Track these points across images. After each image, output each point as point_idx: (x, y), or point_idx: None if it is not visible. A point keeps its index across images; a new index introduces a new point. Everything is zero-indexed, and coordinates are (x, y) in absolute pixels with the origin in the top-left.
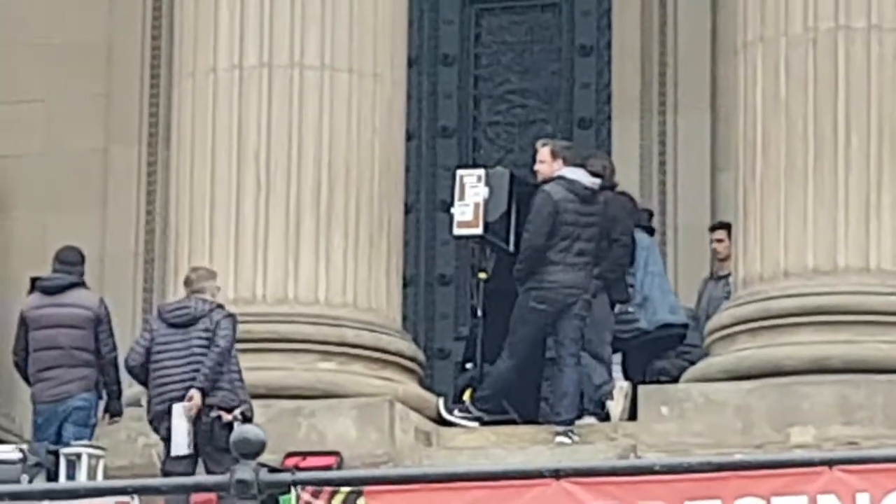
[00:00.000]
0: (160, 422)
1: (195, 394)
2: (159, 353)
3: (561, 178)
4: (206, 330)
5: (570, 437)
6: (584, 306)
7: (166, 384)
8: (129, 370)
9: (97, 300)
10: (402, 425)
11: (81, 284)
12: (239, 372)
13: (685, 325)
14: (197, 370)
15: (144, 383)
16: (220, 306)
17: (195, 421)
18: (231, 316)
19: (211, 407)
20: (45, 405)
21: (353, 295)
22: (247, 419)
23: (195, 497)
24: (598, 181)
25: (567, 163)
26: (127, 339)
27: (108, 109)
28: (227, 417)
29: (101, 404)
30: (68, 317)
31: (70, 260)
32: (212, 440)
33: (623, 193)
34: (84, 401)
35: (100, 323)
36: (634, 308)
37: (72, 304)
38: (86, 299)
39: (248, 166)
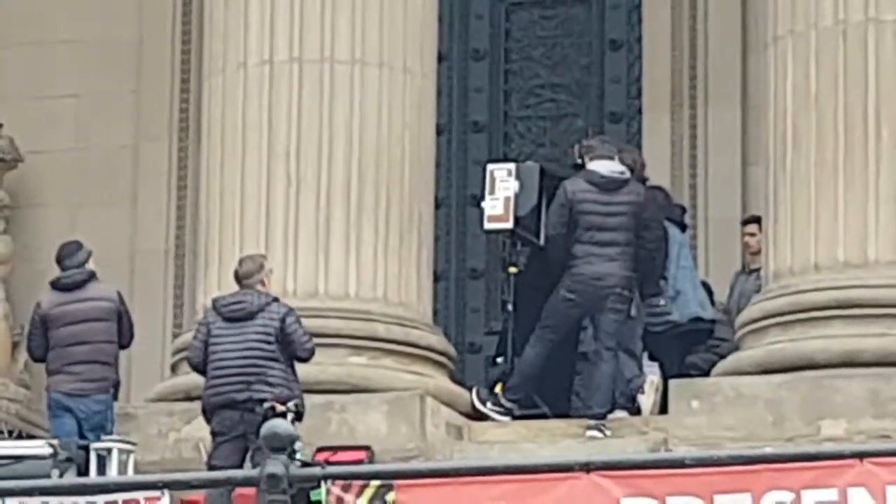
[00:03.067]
0: (213, 414)
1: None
2: (216, 346)
3: (583, 169)
4: (265, 325)
5: (601, 431)
6: (618, 299)
7: (221, 377)
8: (193, 368)
9: (115, 292)
10: (432, 420)
11: (95, 277)
12: (293, 366)
13: (713, 321)
14: (253, 364)
15: None
16: (276, 300)
17: (247, 412)
18: (291, 310)
19: (263, 400)
20: (59, 395)
21: (383, 289)
22: (299, 413)
23: (240, 491)
24: (621, 170)
25: (594, 156)
26: (158, 334)
27: (139, 105)
28: (280, 408)
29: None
30: (93, 311)
31: (78, 255)
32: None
33: (656, 187)
34: (99, 403)
35: (120, 315)
36: (666, 301)
37: (93, 298)
38: (104, 291)
39: (279, 161)
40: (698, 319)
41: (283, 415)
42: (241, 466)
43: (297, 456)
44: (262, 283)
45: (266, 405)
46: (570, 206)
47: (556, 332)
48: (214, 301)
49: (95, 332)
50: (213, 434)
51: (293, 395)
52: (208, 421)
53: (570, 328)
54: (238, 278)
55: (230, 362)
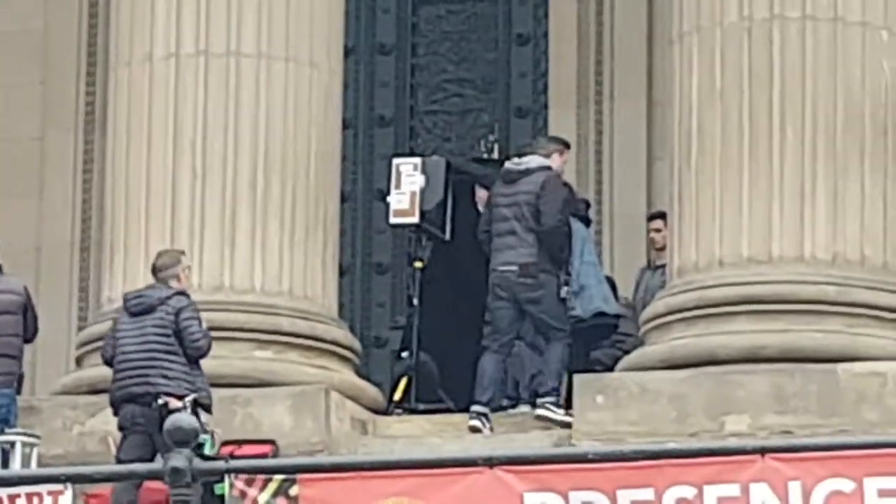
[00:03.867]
0: (117, 408)
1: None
2: (119, 340)
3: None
4: (162, 318)
5: (552, 411)
6: (525, 288)
7: (123, 370)
8: (105, 362)
9: (22, 285)
10: (337, 414)
11: (1, 271)
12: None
13: (617, 316)
14: (152, 358)
15: None
16: (182, 293)
17: (146, 407)
18: (190, 306)
19: (159, 395)
20: None
21: (289, 283)
22: (204, 406)
23: (148, 485)
24: (523, 161)
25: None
26: (63, 327)
27: (45, 97)
28: (175, 404)
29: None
30: (1, 304)
31: None
32: (161, 428)
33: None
34: (4, 397)
35: (26, 308)
36: (570, 297)
37: (2, 291)
38: (13, 285)
39: (184, 155)
40: (602, 314)
41: (178, 411)
42: (150, 460)
43: (206, 449)
44: (178, 278)
45: (160, 401)
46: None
47: (497, 332)
48: (123, 297)
49: (3, 326)
50: (120, 428)
51: (193, 390)
52: (115, 415)
53: (508, 320)
54: (154, 271)
55: (130, 356)
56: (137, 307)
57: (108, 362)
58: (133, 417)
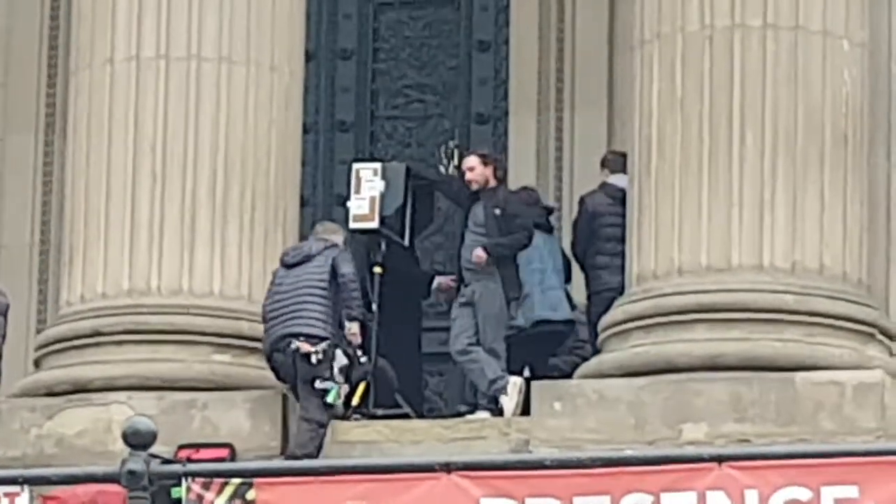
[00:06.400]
0: (270, 359)
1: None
2: (274, 292)
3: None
4: (319, 267)
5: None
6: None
7: (273, 318)
8: (262, 318)
9: (4, 289)
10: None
11: None
12: (349, 307)
13: (568, 322)
14: (301, 306)
15: None
16: (336, 245)
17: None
18: (347, 255)
19: (298, 336)
20: None
21: (248, 287)
22: (346, 356)
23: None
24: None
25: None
26: (22, 329)
27: (5, 98)
28: (306, 348)
29: None
30: None
31: None
32: (296, 372)
33: (525, 188)
34: None
35: (7, 310)
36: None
37: None
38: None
39: (144, 158)
40: (545, 322)
41: (309, 357)
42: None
43: (329, 398)
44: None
45: (293, 346)
46: None
47: None
48: (283, 252)
49: None
50: (278, 379)
51: (333, 339)
52: (268, 362)
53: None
54: (314, 233)
55: (281, 303)
56: (294, 258)
57: (265, 317)
58: (281, 366)
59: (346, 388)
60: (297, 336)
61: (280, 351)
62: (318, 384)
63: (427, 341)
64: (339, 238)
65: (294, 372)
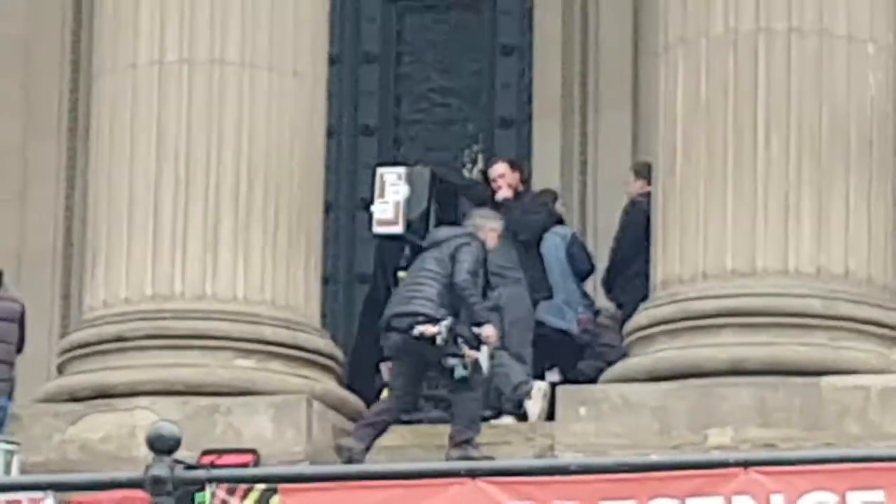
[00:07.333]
0: (386, 337)
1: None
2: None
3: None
4: (441, 252)
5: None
6: None
7: (394, 298)
8: None
9: (19, 295)
10: (319, 424)
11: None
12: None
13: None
14: (419, 283)
15: None
16: (470, 234)
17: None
18: (473, 246)
19: (417, 316)
20: None
21: (271, 292)
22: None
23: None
24: None
25: None
26: (45, 335)
27: (28, 103)
28: (430, 331)
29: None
30: (8, 312)
31: None
32: (419, 356)
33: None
34: (6, 402)
35: (23, 317)
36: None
37: (9, 299)
38: (15, 294)
39: (168, 163)
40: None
41: (433, 339)
42: (416, 387)
43: (455, 374)
44: (483, 231)
45: (416, 331)
46: None
47: None
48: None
49: (8, 333)
50: (387, 358)
51: (451, 318)
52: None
53: None
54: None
55: (404, 283)
56: (428, 241)
57: None
58: (395, 345)
59: (472, 356)
60: (406, 315)
61: (393, 329)
62: (446, 363)
63: None
64: (485, 227)
65: (408, 352)
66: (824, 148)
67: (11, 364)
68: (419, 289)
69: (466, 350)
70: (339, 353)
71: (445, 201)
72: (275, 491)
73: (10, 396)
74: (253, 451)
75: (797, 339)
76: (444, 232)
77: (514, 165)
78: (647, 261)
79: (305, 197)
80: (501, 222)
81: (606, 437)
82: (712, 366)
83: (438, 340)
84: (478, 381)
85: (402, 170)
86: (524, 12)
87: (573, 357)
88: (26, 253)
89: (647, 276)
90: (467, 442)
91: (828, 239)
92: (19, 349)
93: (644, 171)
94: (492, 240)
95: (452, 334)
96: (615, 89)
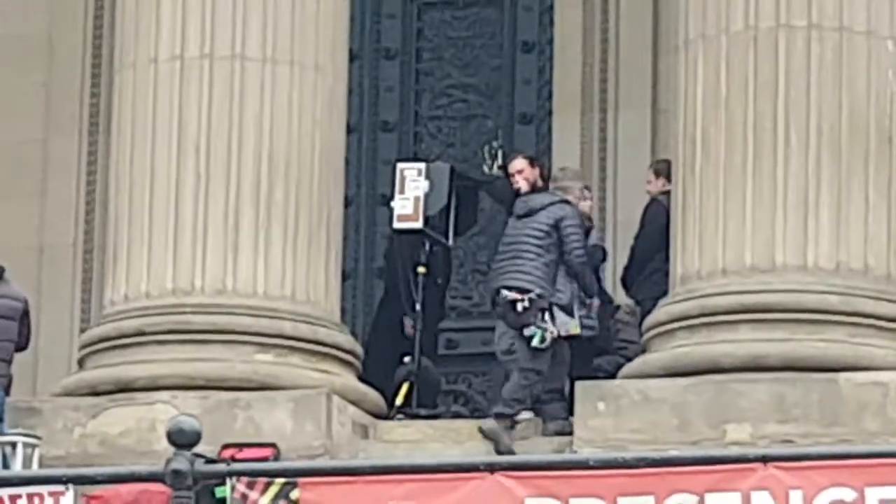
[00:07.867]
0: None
1: None
2: (501, 243)
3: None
4: (540, 223)
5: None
6: None
7: (495, 271)
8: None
9: (21, 292)
10: (339, 418)
11: (3, 276)
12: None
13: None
14: (517, 256)
15: None
16: (564, 201)
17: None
18: (572, 215)
19: (508, 289)
20: None
21: (291, 287)
22: (559, 307)
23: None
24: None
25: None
26: (66, 329)
27: (49, 99)
28: (513, 296)
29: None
30: (7, 308)
31: None
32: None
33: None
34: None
35: (26, 315)
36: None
37: (8, 297)
38: (15, 291)
39: (188, 158)
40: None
41: (515, 304)
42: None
43: (533, 342)
44: (573, 194)
45: (503, 295)
46: None
47: None
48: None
49: (7, 330)
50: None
51: (546, 292)
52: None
53: None
54: (553, 180)
55: (502, 254)
56: (521, 209)
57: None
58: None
59: (553, 331)
60: (509, 289)
61: (499, 304)
62: (526, 331)
63: (470, 341)
64: (574, 188)
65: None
66: (843, 144)
67: (9, 361)
68: (518, 263)
69: (549, 325)
70: (358, 348)
71: (465, 197)
72: (294, 485)
73: (7, 392)
74: (273, 446)
75: (816, 335)
76: (538, 199)
77: (533, 161)
78: (666, 257)
79: (325, 192)
80: (579, 184)
81: (625, 433)
82: (731, 362)
83: (519, 307)
84: (544, 360)
85: (422, 165)
86: (544, 9)
87: (588, 355)
88: (47, 248)
89: (666, 273)
90: (499, 416)
91: (847, 235)
92: (24, 346)
93: (664, 170)
94: (580, 203)
95: (537, 306)
96: (635, 86)
